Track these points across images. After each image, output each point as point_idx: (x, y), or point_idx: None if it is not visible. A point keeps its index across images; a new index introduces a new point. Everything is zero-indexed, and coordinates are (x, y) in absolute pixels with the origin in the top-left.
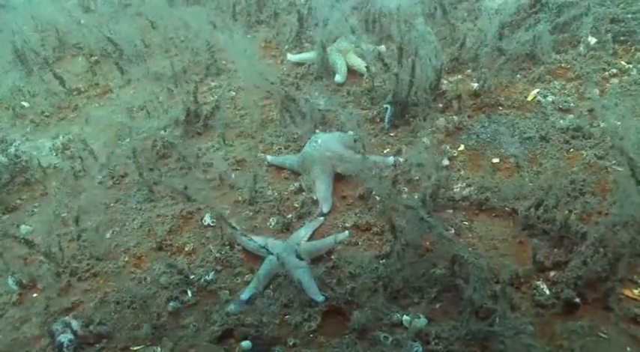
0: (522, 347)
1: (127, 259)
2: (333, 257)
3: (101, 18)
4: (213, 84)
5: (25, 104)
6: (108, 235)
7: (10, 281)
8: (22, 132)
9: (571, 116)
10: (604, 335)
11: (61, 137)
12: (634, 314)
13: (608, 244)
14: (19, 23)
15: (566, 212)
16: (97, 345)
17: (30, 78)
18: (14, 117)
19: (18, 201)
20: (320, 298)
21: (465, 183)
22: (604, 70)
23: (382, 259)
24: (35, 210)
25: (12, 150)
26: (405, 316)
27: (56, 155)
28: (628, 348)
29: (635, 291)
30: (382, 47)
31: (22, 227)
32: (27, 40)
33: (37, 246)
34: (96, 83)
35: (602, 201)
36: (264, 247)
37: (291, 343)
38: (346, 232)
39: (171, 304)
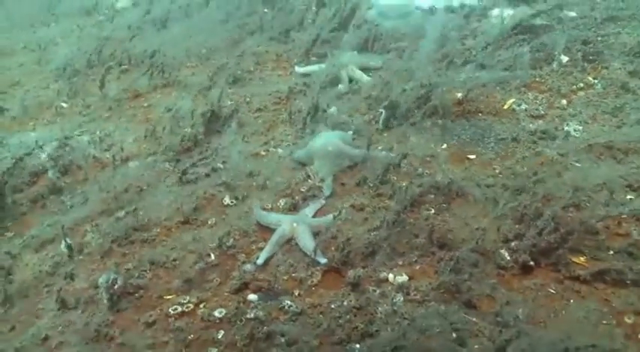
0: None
1: (159, 230)
2: (333, 230)
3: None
4: (230, 91)
5: (65, 105)
6: (141, 212)
7: (63, 244)
8: (61, 128)
9: (540, 121)
10: (553, 291)
11: (97, 132)
12: (578, 274)
13: (560, 221)
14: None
15: (529, 195)
16: (136, 294)
17: (70, 83)
18: (56, 115)
19: (63, 184)
20: (323, 260)
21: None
22: (573, 83)
23: (373, 232)
24: (78, 191)
25: (56, 143)
26: (390, 274)
27: (94, 147)
28: (571, 300)
29: (581, 258)
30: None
31: (69, 204)
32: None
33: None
34: (125, 89)
35: (560, 189)
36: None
37: (296, 293)
38: (344, 211)
39: (198, 265)
